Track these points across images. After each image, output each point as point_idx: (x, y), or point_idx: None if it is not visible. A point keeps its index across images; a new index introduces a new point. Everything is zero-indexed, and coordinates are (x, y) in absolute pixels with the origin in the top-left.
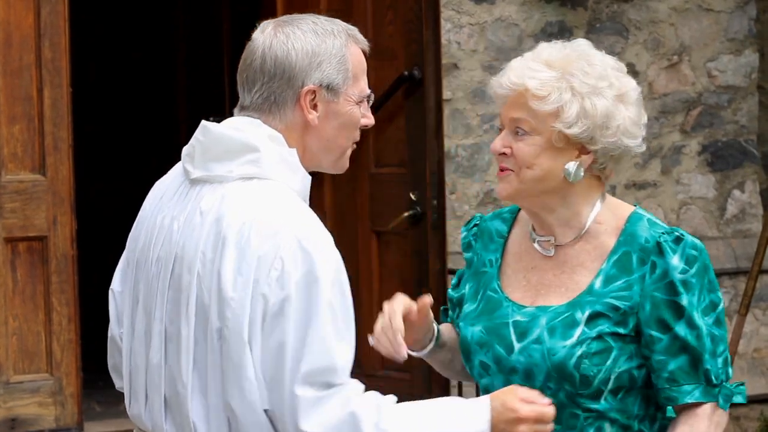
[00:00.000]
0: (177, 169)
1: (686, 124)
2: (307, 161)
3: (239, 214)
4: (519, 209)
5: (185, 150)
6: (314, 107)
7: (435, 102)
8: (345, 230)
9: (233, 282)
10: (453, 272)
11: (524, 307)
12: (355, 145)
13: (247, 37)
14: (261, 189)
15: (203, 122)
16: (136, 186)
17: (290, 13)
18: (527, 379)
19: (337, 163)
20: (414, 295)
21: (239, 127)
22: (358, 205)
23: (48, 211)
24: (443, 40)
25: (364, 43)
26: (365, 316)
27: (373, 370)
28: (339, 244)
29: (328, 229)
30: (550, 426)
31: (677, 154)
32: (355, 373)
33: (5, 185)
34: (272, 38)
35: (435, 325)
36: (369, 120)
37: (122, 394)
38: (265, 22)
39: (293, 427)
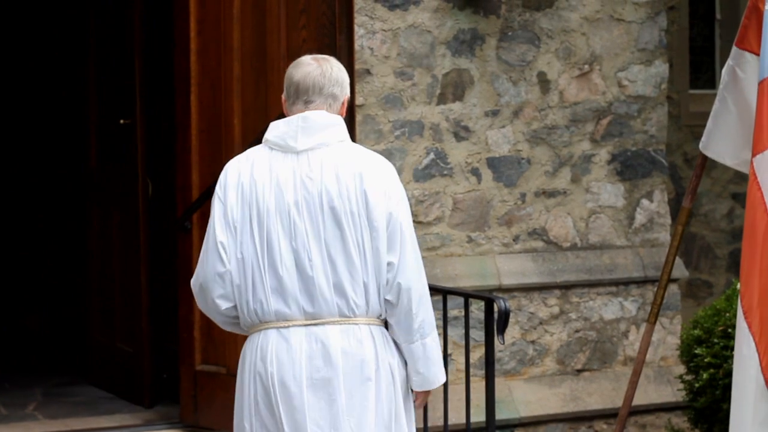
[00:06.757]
0: (256, 152)
1: (596, 133)
2: None
3: (356, 160)
4: None
5: (279, 135)
6: None
7: (347, 107)
8: None
9: (375, 198)
10: None
11: None
12: None
13: (159, 36)
14: (353, 146)
15: (305, 114)
16: (44, 184)
17: (203, 12)
18: None
19: None
20: None
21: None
22: None
23: None
24: (356, 46)
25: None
26: None
27: None
28: None
29: None
30: None
31: (587, 162)
32: None
33: None
34: None
35: None
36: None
37: (28, 395)
38: None
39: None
